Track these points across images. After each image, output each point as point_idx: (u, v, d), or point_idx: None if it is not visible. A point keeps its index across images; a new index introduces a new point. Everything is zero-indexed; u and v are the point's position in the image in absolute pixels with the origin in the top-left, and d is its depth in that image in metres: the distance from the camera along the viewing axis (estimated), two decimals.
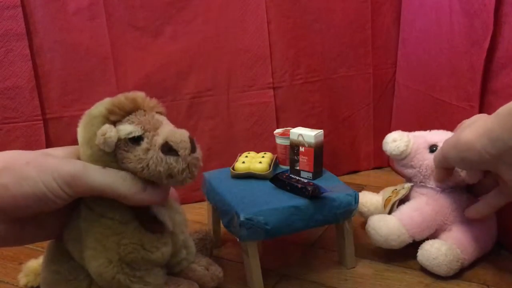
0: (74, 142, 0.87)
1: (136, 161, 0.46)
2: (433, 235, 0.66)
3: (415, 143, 0.68)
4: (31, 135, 0.82)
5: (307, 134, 0.67)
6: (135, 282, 0.51)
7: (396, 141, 0.68)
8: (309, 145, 0.68)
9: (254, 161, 0.70)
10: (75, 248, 0.50)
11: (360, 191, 0.95)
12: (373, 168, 1.07)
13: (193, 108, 0.90)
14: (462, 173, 0.63)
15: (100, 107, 0.49)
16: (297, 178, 0.66)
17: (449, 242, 0.63)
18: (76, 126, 0.86)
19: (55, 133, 0.84)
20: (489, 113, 0.70)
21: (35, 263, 0.63)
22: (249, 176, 0.69)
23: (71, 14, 0.81)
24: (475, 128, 0.53)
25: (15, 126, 0.81)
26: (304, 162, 0.69)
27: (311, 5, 0.94)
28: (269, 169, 0.69)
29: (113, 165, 0.47)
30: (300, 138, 0.68)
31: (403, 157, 0.68)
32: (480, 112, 0.72)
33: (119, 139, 0.46)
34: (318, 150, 0.68)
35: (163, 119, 0.51)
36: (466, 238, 0.64)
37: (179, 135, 0.47)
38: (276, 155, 0.75)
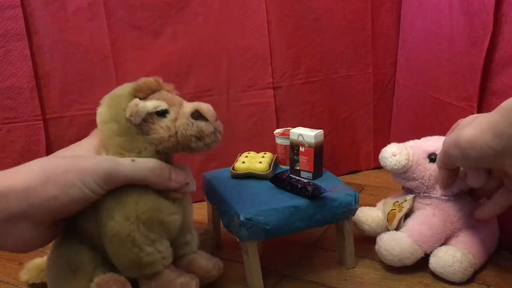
0: (74, 142, 0.88)
1: (163, 131, 0.52)
2: (442, 242, 0.65)
3: (415, 155, 0.66)
4: (31, 135, 0.82)
5: (307, 134, 0.67)
6: (148, 245, 0.53)
7: (395, 155, 0.65)
8: (309, 145, 0.68)
9: (254, 161, 0.70)
10: (88, 220, 0.53)
11: (360, 191, 0.96)
12: (373, 168, 1.07)
13: None
14: (468, 178, 0.61)
15: (124, 88, 0.54)
16: (297, 178, 0.66)
17: (460, 247, 0.62)
18: (76, 126, 0.86)
19: (55, 133, 0.84)
20: None
21: (39, 261, 0.63)
22: (249, 176, 0.69)
23: (71, 14, 0.81)
24: (477, 125, 0.52)
25: (15, 126, 0.81)
26: (304, 162, 0.69)
27: (311, 5, 0.94)
28: (269, 169, 0.69)
29: (139, 137, 0.52)
30: (300, 138, 0.68)
31: (405, 171, 0.66)
32: (479, 112, 0.72)
33: (146, 113, 0.51)
34: (318, 150, 0.68)
35: (181, 98, 0.56)
36: (475, 243, 0.63)
37: (206, 105, 0.53)
38: (276, 155, 0.75)
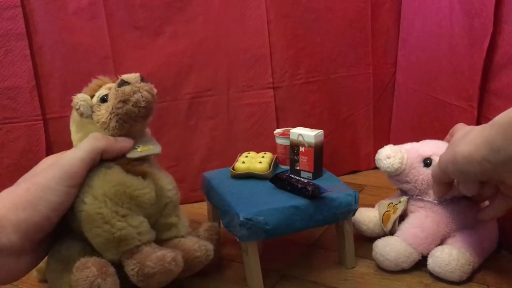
0: None
1: (106, 112, 0.56)
2: (439, 244, 0.65)
3: (409, 158, 0.66)
4: (31, 135, 0.82)
5: (307, 134, 0.67)
6: (119, 220, 0.53)
7: (390, 157, 0.66)
8: (309, 145, 0.68)
9: (254, 161, 0.70)
10: (71, 215, 0.54)
11: (360, 191, 0.96)
12: (373, 168, 1.07)
13: (193, 108, 0.90)
14: (460, 188, 0.61)
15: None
16: (297, 178, 0.66)
17: (457, 246, 0.62)
18: None
19: (55, 133, 0.84)
20: (489, 113, 0.70)
21: None
22: (249, 176, 0.69)
23: (71, 14, 0.81)
24: (471, 140, 0.52)
25: (15, 126, 0.81)
26: (304, 162, 0.69)
27: (311, 5, 0.94)
28: (269, 169, 0.69)
29: (92, 127, 0.57)
30: (300, 138, 0.68)
31: (398, 174, 0.66)
32: (480, 112, 0.72)
33: (92, 106, 0.57)
34: (318, 150, 0.68)
35: None
36: (472, 241, 0.63)
37: (131, 74, 0.56)
38: (276, 155, 0.75)
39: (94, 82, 0.60)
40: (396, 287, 0.63)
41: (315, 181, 0.67)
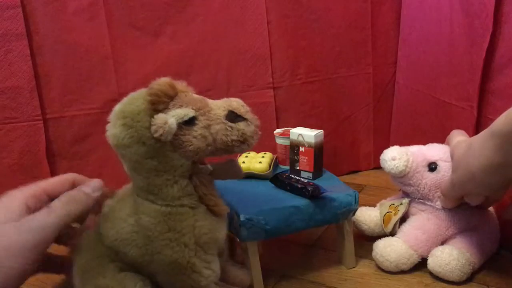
0: (74, 141, 0.87)
1: (198, 141, 0.46)
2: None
3: (414, 162, 0.65)
4: (31, 135, 0.82)
5: (307, 134, 0.67)
6: (206, 268, 0.51)
7: (395, 159, 0.65)
8: (309, 145, 0.68)
9: (254, 161, 0.70)
10: (133, 247, 0.49)
11: (360, 191, 0.96)
12: (373, 168, 1.07)
13: None
14: (466, 199, 0.61)
15: (136, 102, 0.46)
16: (297, 178, 0.66)
17: (458, 246, 0.62)
18: (76, 126, 0.86)
19: (55, 133, 0.84)
20: (489, 113, 0.70)
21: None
22: (249, 176, 0.69)
23: (71, 14, 0.80)
24: (480, 152, 0.51)
25: (15, 126, 0.81)
26: (304, 162, 0.69)
27: (311, 5, 0.94)
28: (269, 169, 0.69)
29: (172, 154, 0.46)
30: (300, 138, 0.68)
31: (402, 176, 0.66)
32: (479, 112, 0.72)
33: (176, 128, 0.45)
34: (318, 150, 0.68)
35: (201, 96, 0.50)
36: (472, 242, 0.63)
37: (236, 102, 0.48)
38: (276, 155, 0.75)
39: (161, 90, 0.45)
40: (396, 287, 0.63)
41: (315, 181, 0.67)
